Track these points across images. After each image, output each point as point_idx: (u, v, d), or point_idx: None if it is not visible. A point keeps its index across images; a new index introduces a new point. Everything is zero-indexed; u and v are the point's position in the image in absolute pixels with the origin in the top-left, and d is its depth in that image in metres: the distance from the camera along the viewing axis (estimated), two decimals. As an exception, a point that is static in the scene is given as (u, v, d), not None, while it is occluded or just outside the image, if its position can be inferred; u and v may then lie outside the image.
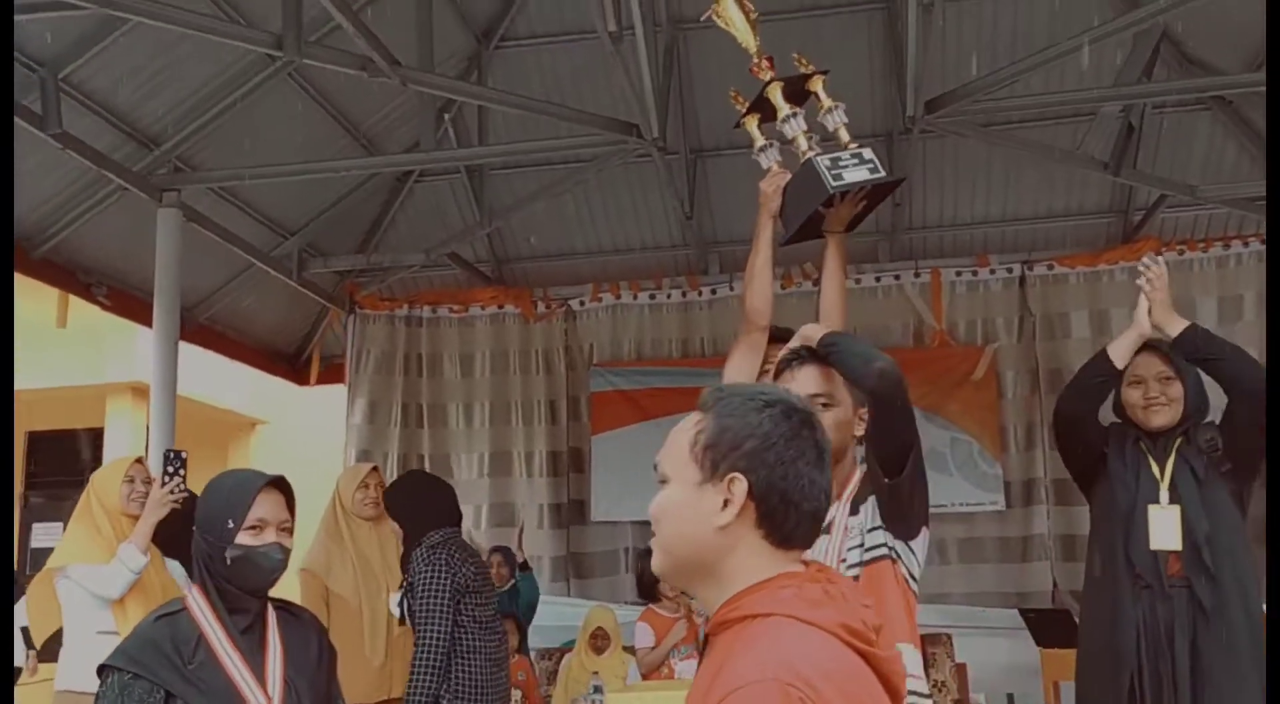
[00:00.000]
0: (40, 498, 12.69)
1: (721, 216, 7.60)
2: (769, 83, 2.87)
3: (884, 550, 2.16)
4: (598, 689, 5.51)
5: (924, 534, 2.22)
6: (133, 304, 6.56)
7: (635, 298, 7.92)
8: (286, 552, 2.23)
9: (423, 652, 3.80)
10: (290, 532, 2.26)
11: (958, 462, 7.31)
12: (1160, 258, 3.23)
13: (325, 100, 6.27)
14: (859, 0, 6.21)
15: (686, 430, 1.47)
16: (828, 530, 2.18)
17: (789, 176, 2.82)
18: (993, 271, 7.57)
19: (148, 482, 3.90)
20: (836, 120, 2.85)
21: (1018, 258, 7.57)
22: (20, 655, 6.00)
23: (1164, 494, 3.03)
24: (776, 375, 2.51)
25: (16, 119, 4.82)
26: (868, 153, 2.78)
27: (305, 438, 11.97)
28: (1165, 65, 6.29)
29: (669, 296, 7.90)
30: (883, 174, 2.75)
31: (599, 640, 5.68)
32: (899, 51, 5.71)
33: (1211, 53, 6.30)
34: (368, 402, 7.95)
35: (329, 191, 7.11)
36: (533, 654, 6.12)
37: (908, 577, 2.18)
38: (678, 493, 1.45)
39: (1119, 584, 3.03)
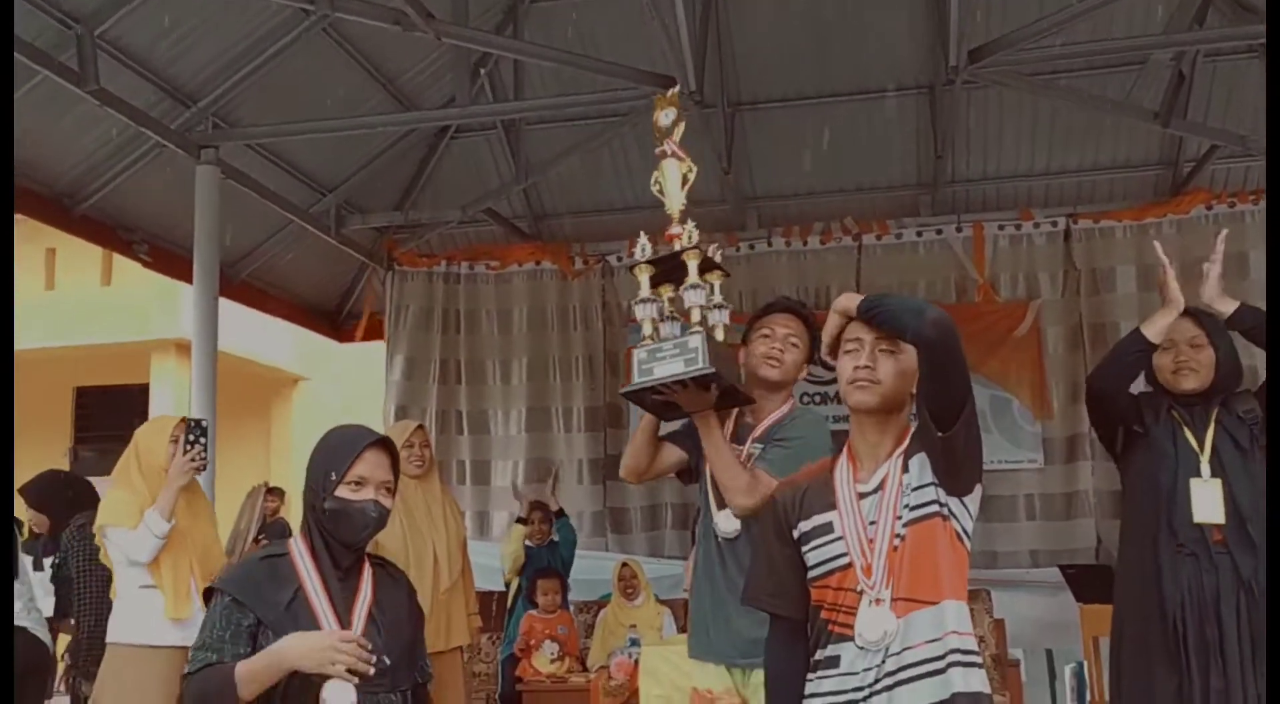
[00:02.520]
0: (89, 452, 12.97)
1: (760, 171, 7.50)
2: (638, 263, 2.81)
3: (934, 507, 2.10)
4: (634, 642, 5.56)
5: (977, 490, 2.18)
6: (174, 261, 6.61)
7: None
8: (384, 509, 2.28)
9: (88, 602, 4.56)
10: (392, 492, 2.30)
11: (997, 419, 7.22)
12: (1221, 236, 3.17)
13: (361, 55, 6.23)
14: (901, -53, 6.08)
15: None
16: (881, 487, 2.14)
17: None
18: (1036, 225, 7.43)
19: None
20: (693, 299, 2.73)
21: (1062, 211, 7.42)
22: None
23: (1205, 467, 3.02)
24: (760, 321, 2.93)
25: (54, 76, 4.85)
26: (695, 341, 2.62)
27: (345, 394, 12.11)
28: (1218, 12, 6.09)
29: (706, 251, 7.83)
30: (700, 366, 2.58)
31: (626, 584, 5.79)
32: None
33: (1267, -3, 6.10)
34: (406, 358, 7.99)
35: (366, 148, 7.10)
36: (572, 608, 6.17)
37: (960, 533, 2.12)
38: None
39: (1161, 552, 3.02)
